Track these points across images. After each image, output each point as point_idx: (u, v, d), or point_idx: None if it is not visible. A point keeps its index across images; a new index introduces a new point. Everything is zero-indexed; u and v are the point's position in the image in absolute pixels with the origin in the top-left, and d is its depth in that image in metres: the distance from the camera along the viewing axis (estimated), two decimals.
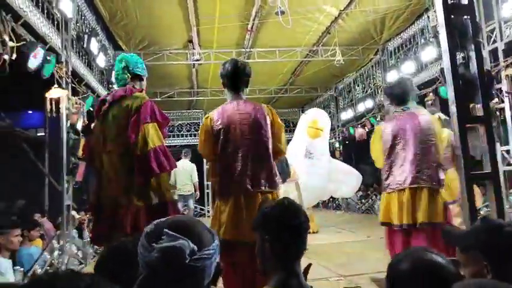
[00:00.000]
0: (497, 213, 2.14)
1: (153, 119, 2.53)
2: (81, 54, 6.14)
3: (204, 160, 9.15)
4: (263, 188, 2.46)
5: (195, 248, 1.01)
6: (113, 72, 3.13)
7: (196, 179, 8.17)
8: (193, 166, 8.17)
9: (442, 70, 4.87)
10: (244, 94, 2.65)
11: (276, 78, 10.42)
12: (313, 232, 6.31)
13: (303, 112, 13.39)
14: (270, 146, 2.53)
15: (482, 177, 2.30)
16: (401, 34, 8.09)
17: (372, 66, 9.36)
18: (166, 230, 1.02)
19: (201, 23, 7.01)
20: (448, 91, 2.35)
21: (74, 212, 5.35)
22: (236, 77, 2.58)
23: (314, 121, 6.94)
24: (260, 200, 2.40)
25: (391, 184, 2.88)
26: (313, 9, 6.84)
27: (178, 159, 7.72)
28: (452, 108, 2.28)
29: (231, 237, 2.34)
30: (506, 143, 5.64)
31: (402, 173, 2.81)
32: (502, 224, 1.42)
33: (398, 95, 2.94)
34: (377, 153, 3.03)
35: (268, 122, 2.55)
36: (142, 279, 1.00)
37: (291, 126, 13.34)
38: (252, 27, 7.30)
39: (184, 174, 7.93)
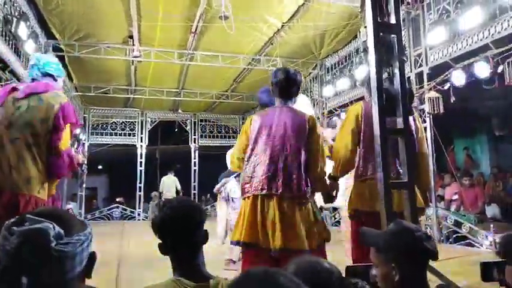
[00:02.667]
0: (411, 221, 2.30)
1: (73, 119, 2.59)
2: (7, 38, 5.71)
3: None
4: (283, 193, 2.44)
5: (62, 232, 0.95)
6: None
7: (179, 187, 11.04)
8: (176, 178, 11.09)
9: (368, 82, 5.16)
10: (292, 103, 2.67)
11: (218, 83, 10.44)
12: None
13: (243, 119, 13.59)
14: (303, 153, 2.52)
15: (399, 186, 2.47)
16: (339, 52, 8.54)
17: (310, 80, 9.71)
18: (28, 216, 0.95)
19: (143, 18, 6.83)
20: (373, 104, 2.51)
21: None
22: (287, 86, 2.63)
23: None
24: (277, 205, 2.40)
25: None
26: (257, 19, 6.97)
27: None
28: (376, 121, 2.43)
29: (247, 239, 2.39)
30: None
31: None
32: (413, 228, 1.48)
33: None
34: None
35: (306, 130, 2.55)
36: (0, 271, 0.91)
37: (230, 132, 13.44)
38: (196, 30, 7.26)
39: (170, 184, 10.91)
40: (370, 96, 2.88)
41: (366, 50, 6.10)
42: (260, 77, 9.32)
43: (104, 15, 6.83)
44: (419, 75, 6.46)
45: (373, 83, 2.50)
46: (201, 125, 13.03)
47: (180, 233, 1.42)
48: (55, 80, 2.69)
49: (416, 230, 1.46)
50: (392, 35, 2.66)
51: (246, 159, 2.58)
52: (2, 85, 5.16)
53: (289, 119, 2.56)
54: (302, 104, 7.08)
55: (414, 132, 2.79)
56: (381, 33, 2.62)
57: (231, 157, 2.81)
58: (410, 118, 2.71)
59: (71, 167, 2.55)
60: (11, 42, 5.80)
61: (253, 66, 9.04)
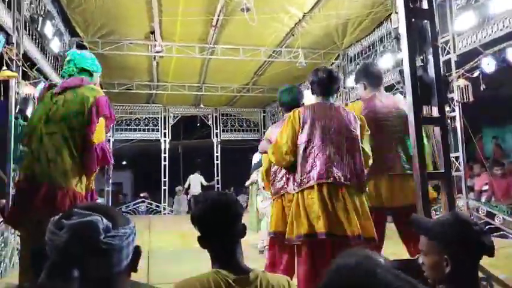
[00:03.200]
0: (449, 210, 2.23)
1: (107, 113, 2.60)
2: (34, 37, 5.81)
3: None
4: (349, 182, 2.46)
5: (110, 225, 0.96)
6: None
7: (205, 183, 12.15)
8: (202, 176, 12.30)
9: (401, 72, 5.01)
10: (334, 100, 2.73)
11: (239, 77, 10.39)
12: None
13: (264, 112, 13.52)
14: (360, 143, 2.59)
15: (436, 177, 2.39)
16: (362, 41, 8.34)
17: None
18: (76, 210, 0.96)
19: (164, 14, 6.84)
20: (407, 93, 2.43)
21: None
22: (330, 84, 2.68)
23: None
24: (346, 193, 2.42)
25: None
26: (278, 10, 6.87)
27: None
28: (410, 109, 2.36)
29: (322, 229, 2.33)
30: (456, 150, 5.94)
31: None
32: (471, 221, 1.44)
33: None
34: None
35: (358, 122, 2.63)
36: (50, 265, 0.91)
37: (252, 126, 13.40)
38: (216, 23, 7.23)
39: (196, 181, 12.12)
40: (373, 87, 2.95)
41: (397, 38, 5.94)
42: (281, 69, 9.23)
43: (126, 11, 6.87)
44: (447, 63, 6.24)
45: (407, 71, 2.42)
46: (222, 119, 13.04)
47: (221, 225, 1.45)
48: (91, 75, 2.72)
49: (475, 223, 1.42)
50: (425, 21, 2.57)
51: (301, 151, 2.57)
52: (30, 83, 5.26)
53: (340, 114, 2.60)
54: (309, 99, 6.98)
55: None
56: (413, 19, 2.53)
57: (278, 151, 2.69)
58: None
59: (104, 161, 2.55)
60: (37, 41, 5.90)
61: (274, 59, 8.95)
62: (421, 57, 2.55)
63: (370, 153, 2.69)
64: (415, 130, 2.31)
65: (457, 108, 6.02)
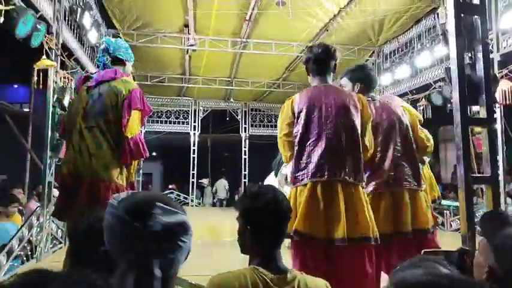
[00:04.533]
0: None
1: (141, 106, 2.59)
2: (72, 27, 5.94)
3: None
4: (347, 177, 2.26)
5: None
6: None
7: (227, 187, 13.99)
8: (226, 182, 14.05)
9: (447, 69, 4.78)
10: (331, 80, 2.49)
11: (270, 72, 10.33)
12: None
13: None
14: (360, 134, 2.36)
15: (481, 182, 2.26)
16: (398, 38, 8.10)
17: None
18: (157, 203, 0.96)
19: (199, 7, 6.86)
20: (453, 91, 2.30)
21: (55, 190, 5.19)
22: (326, 60, 2.46)
23: None
24: (340, 191, 2.22)
25: None
26: (313, 4, 6.76)
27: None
28: (456, 109, 2.23)
29: (303, 230, 2.16)
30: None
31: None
32: None
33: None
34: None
35: (359, 108, 2.38)
36: (132, 263, 0.92)
37: None
38: (250, 17, 7.19)
39: (221, 187, 13.66)
40: (367, 92, 2.70)
41: (444, 34, 5.71)
42: None
43: (161, 4, 6.93)
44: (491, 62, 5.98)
45: (454, 69, 2.29)
46: (251, 114, 13.02)
47: (271, 222, 1.42)
48: (124, 64, 2.72)
49: None
50: (475, 16, 2.42)
51: (296, 144, 2.36)
52: (68, 73, 5.39)
53: (338, 98, 2.35)
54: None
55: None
56: (462, 14, 2.40)
57: (279, 146, 2.53)
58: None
59: (138, 155, 2.54)
60: (75, 32, 6.03)
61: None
62: (469, 55, 2.41)
63: (368, 144, 2.44)
64: (462, 131, 2.19)
65: (498, 110, 5.75)
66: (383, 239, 2.31)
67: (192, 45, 7.83)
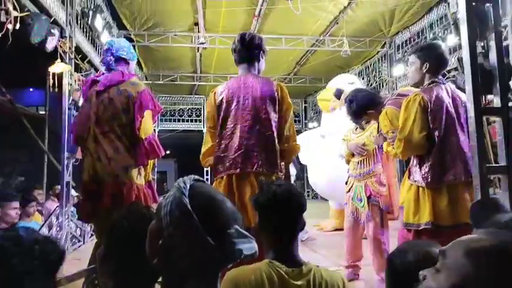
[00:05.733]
0: (511, 208, 2.09)
1: (151, 106, 2.62)
2: (85, 30, 6.03)
3: None
4: (260, 169, 2.34)
5: None
6: None
7: None
8: None
9: (459, 59, 4.70)
10: (255, 70, 2.53)
11: (281, 67, 10.31)
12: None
13: (305, 103, 13.36)
14: (274, 125, 2.40)
15: (497, 171, 2.24)
16: (410, 28, 7.98)
17: (378, 59, 9.26)
18: (236, 225, 0.87)
19: (208, 5, 6.89)
20: (466, 81, 2.29)
21: (73, 190, 5.30)
22: (244, 50, 2.50)
23: (326, 91, 6.15)
24: (254, 182, 2.30)
25: None
26: None
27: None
28: (469, 99, 2.22)
29: None
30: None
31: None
32: None
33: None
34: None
35: (276, 99, 2.42)
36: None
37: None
38: (259, 13, 7.18)
39: None
40: (435, 74, 2.48)
41: (456, 23, 5.63)
42: (324, 58, 9.06)
43: (171, 3, 6.96)
44: (505, 50, 5.85)
45: (466, 57, 2.27)
46: None
47: (284, 215, 1.43)
48: (127, 63, 2.74)
49: None
50: (487, 4, 2.40)
51: (216, 137, 2.46)
52: (82, 75, 5.48)
53: (256, 88, 2.39)
54: (342, 81, 6.43)
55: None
56: (474, 3, 2.37)
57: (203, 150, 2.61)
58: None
59: (154, 154, 2.58)
60: (87, 34, 6.12)
61: (316, 48, 8.79)
62: (482, 44, 2.39)
63: (289, 133, 2.43)
64: (475, 121, 2.17)
65: None
66: None
67: (202, 43, 7.87)
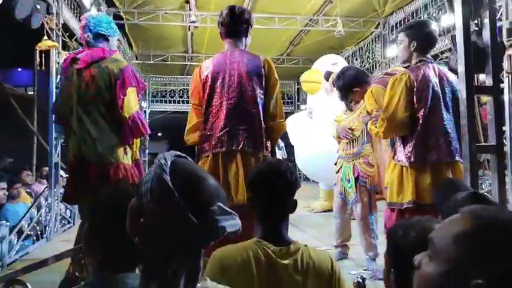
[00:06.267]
0: (498, 188, 2.09)
1: (134, 83, 2.55)
2: (72, 7, 5.86)
3: None
4: (246, 148, 2.33)
5: None
6: None
7: None
8: None
9: (453, 37, 4.65)
10: (243, 45, 2.48)
11: (274, 47, 10.17)
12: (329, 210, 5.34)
13: (298, 84, 13.26)
14: (260, 102, 2.37)
15: (486, 150, 2.23)
16: (404, 8, 7.89)
17: (372, 40, 9.18)
18: (219, 202, 0.84)
19: None
20: (458, 59, 2.26)
21: (61, 171, 5.25)
22: (232, 23, 2.45)
23: (310, 72, 6.14)
24: (241, 161, 2.30)
25: None
26: None
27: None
28: (462, 77, 2.19)
29: None
30: (503, 123, 5.61)
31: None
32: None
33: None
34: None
35: (263, 75, 2.38)
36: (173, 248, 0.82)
37: (285, 98, 13.20)
38: None
39: None
40: (423, 53, 2.45)
41: (450, 0, 5.57)
42: (318, 38, 8.95)
43: None
44: (498, 31, 5.82)
45: (459, 36, 2.24)
46: None
47: (272, 194, 1.39)
48: (107, 39, 2.64)
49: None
50: None
51: (201, 114, 2.43)
52: (70, 53, 5.35)
53: (242, 64, 2.36)
54: (326, 62, 6.39)
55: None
56: None
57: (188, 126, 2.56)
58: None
59: (138, 133, 2.54)
60: (75, 11, 5.96)
61: (310, 28, 8.68)
62: (476, 22, 2.35)
63: (276, 111, 2.41)
64: (467, 100, 2.15)
65: (506, 80, 5.64)
66: None
67: (193, 21, 7.72)
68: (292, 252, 1.35)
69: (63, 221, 5.24)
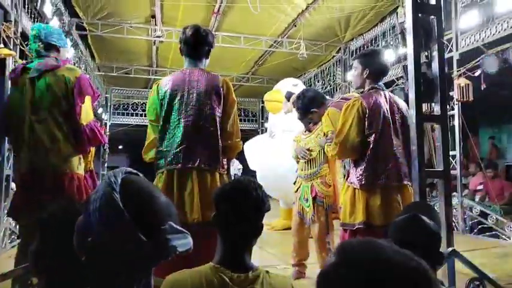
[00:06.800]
0: (445, 210, 2.22)
1: (90, 92, 2.55)
2: (33, 16, 5.70)
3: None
4: (202, 165, 2.31)
5: None
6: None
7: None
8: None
9: (404, 67, 4.90)
10: (203, 65, 2.51)
11: (239, 66, 10.33)
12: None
13: (262, 103, 13.43)
14: (218, 121, 2.38)
15: (434, 175, 2.37)
16: (364, 35, 8.28)
17: (333, 64, 9.51)
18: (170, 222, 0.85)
19: None
20: (409, 88, 2.40)
21: (13, 184, 5.00)
22: (196, 45, 2.45)
23: (274, 92, 6.23)
24: (196, 178, 2.28)
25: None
26: None
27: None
28: (412, 105, 2.33)
29: None
30: (453, 148, 5.94)
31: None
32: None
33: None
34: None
35: (221, 94, 2.40)
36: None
37: (250, 116, 13.34)
38: (218, 10, 7.15)
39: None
40: (375, 80, 2.53)
41: (402, 32, 5.88)
42: (282, 60, 9.17)
43: None
44: (449, 61, 6.19)
45: (411, 66, 2.39)
46: None
47: (232, 215, 1.30)
48: (58, 50, 2.61)
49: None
50: (432, 16, 2.53)
51: (158, 131, 2.42)
52: (27, 62, 5.18)
53: (201, 83, 2.38)
54: (287, 84, 6.63)
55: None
56: (420, 14, 2.50)
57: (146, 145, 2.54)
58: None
59: (96, 141, 2.51)
60: (35, 20, 5.80)
61: (275, 49, 8.89)
62: (426, 54, 2.52)
63: (233, 129, 2.44)
64: (416, 127, 2.29)
65: (456, 107, 6.00)
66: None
67: (158, 36, 7.70)
68: (252, 280, 1.28)
69: (12, 236, 4.97)
